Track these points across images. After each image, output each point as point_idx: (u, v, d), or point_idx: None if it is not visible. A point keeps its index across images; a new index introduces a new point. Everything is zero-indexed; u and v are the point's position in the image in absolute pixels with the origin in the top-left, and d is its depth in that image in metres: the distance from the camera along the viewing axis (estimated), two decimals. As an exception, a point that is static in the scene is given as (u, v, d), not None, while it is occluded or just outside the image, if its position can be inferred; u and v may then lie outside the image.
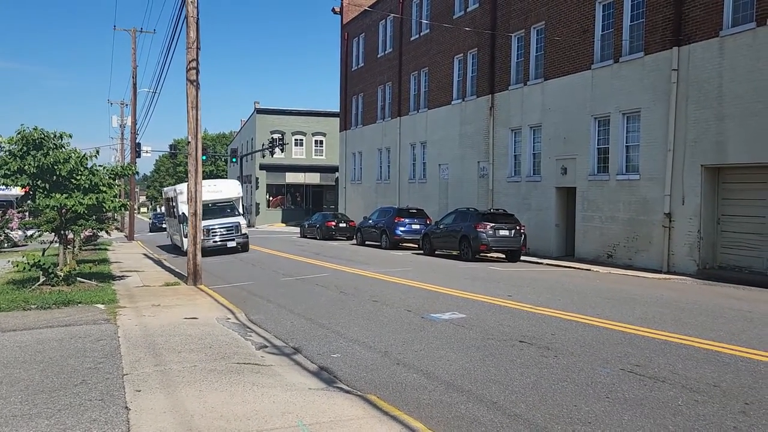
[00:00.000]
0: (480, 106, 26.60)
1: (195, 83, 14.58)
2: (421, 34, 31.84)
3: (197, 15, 14.57)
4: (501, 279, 15.20)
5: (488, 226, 20.07)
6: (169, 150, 47.55)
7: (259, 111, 56.26)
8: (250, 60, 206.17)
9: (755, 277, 15.02)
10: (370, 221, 28.32)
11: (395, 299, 11.90)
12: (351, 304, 11.49)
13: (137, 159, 36.96)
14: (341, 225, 33.41)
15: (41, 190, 13.16)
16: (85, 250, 26.27)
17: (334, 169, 51.44)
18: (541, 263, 20.07)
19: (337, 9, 42.08)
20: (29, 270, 13.02)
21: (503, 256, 21.16)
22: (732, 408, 5.54)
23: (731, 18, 15.94)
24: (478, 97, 26.76)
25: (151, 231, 53.28)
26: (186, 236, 21.44)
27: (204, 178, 21.30)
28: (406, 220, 26.14)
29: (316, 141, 56.42)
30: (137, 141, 37.37)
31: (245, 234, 25.21)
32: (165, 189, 35.06)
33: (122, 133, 53.73)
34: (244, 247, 25.00)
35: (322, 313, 10.73)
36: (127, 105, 50.38)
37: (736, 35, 15.69)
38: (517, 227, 20.49)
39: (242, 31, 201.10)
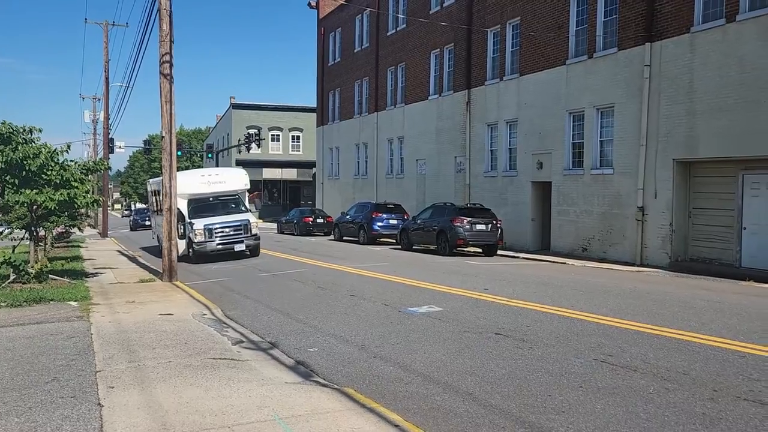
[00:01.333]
0: (456, 101, 26.69)
1: (168, 77, 14.41)
2: (398, 29, 31.84)
3: (170, 8, 14.41)
4: (478, 273, 15.31)
5: (465, 221, 20.19)
6: (143, 146, 46.66)
7: (235, 106, 55.78)
8: (226, 55, 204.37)
9: (725, 269, 15.35)
10: (348, 217, 28.28)
11: (372, 294, 11.92)
12: (328, 299, 11.48)
13: (111, 155, 36.39)
14: (319, 221, 33.30)
15: (10, 186, 12.90)
16: (58, 247, 25.83)
17: (311, 165, 51.26)
18: (518, 257, 20.26)
19: (314, 3, 41.85)
20: (-1, 267, 12.77)
21: (480, 250, 21.30)
22: (701, 395, 5.67)
23: (702, 14, 16.22)
24: (455, 93, 26.86)
25: (132, 229, 46.47)
26: (183, 236, 19.85)
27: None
28: (384, 216, 26.15)
29: (293, 136, 56.13)
30: (110, 136, 36.81)
31: (256, 234, 20.29)
32: (150, 180, 28.51)
33: (94, 129, 52.86)
34: (254, 251, 20.31)
35: (299, 308, 10.70)
36: (99, 99, 49.61)
37: (706, 31, 15.96)
38: (494, 222, 20.64)
39: (218, 26, 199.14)
